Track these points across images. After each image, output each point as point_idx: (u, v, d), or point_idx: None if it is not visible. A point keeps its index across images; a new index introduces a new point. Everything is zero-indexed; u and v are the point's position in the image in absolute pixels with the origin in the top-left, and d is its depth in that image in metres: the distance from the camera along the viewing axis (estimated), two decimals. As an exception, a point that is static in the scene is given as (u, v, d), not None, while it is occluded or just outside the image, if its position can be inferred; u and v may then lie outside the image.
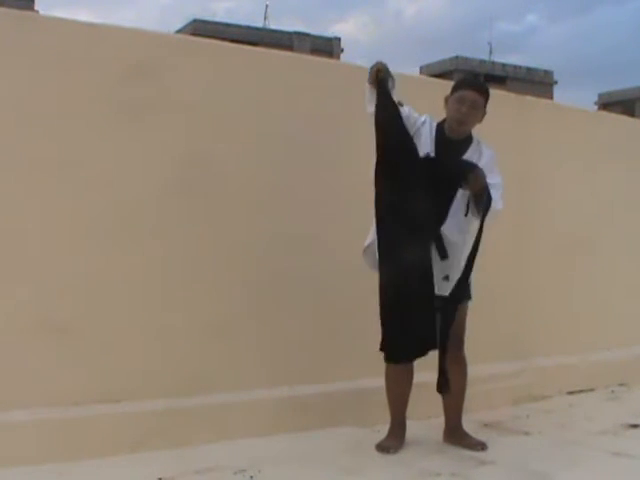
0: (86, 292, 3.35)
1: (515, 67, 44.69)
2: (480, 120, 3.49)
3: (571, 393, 4.72)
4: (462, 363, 3.56)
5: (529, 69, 45.10)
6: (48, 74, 3.30)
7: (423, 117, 3.47)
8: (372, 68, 3.36)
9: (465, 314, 3.53)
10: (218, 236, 3.65)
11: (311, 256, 3.89)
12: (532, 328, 4.64)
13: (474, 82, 3.63)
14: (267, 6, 64.87)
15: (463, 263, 3.39)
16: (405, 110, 3.41)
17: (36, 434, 3.12)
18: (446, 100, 3.50)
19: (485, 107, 3.48)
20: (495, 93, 5.25)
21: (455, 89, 3.49)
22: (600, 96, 45.58)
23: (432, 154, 3.39)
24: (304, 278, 3.87)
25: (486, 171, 3.32)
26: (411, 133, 3.40)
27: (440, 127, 3.47)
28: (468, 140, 3.48)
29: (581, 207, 5.13)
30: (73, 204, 3.33)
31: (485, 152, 3.46)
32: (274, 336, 3.76)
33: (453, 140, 3.44)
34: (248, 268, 3.72)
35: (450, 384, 3.40)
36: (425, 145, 3.41)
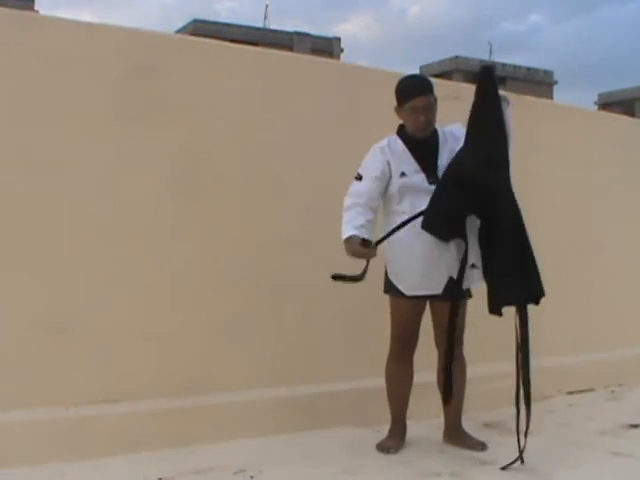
0: (86, 292, 3.35)
1: (515, 67, 44.67)
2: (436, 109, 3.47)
3: (571, 393, 4.72)
4: (461, 362, 3.55)
5: (529, 69, 45.08)
6: (48, 74, 3.30)
7: (378, 147, 3.44)
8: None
9: (464, 313, 3.53)
10: (218, 236, 3.65)
11: (311, 256, 3.89)
12: (532, 328, 4.63)
13: (417, 87, 3.45)
14: (267, 6, 64.85)
15: (477, 247, 3.39)
16: (373, 177, 3.39)
17: (36, 434, 3.12)
18: (396, 111, 3.45)
19: (434, 97, 3.44)
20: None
21: (404, 101, 3.40)
22: (600, 96, 45.57)
23: (412, 159, 3.40)
24: (304, 278, 3.87)
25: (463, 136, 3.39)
26: (389, 175, 3.40)
27: (403, 134, 3.46)
28: (434, 131, 3.47)
29: (581, 207, 5.13)
30: (73, 203, 3.34)
31: (455, 130, 3.46)
32: (274, 336, 3.77)
33: (422, 139, 3.44)
34: (248, 268, 3.73)
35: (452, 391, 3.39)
36: (403, 160, 3.41)
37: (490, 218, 3.32)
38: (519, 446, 3.24)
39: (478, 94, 3.36)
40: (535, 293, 3.38)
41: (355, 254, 3.23)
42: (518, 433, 3.27)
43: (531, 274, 3.35)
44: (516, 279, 3.31)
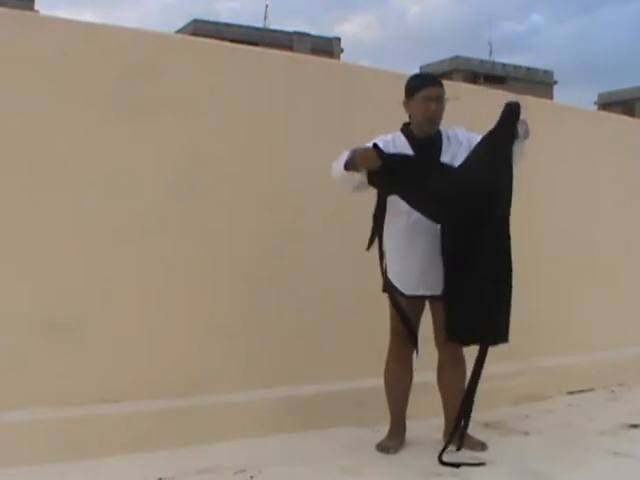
0: (86, 292, 3.35)
1: (515, 67, 44.72)
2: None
3: (571, 393, 4.72)
4: (460, 363, 3.55)
5: (529, 69, 45.13)
6: (48, 74, 3.30)
7: (383, 139, 3.41)
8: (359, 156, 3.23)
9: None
10: (218, 236, 3.66)
11: (312, 256, 3.89)
12: (532, 328, 4.64)
13: (431, 78, 3.54)
14: (267, 6, 64.96)
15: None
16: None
17: (36, 434, 3.12)
18: (405, 104, 3.45)
19: (445, 94, 3.44)
20: (495, 93, 5.27)
21: (415, 90, 3.40)
22: (600, 96, 45.62)
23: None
24: (304, 278, 3.87)
25: (472, 141, 3.38)
26: None
27: (408, 133, 3.46)
28: (438, 133, 3.46)
29: (581, 207, 5.13)
30: (73, 204, 3.34)
31: (458, 134, 3.46)
32: (274, 336, 3.77)
33: (427, 139, 3.43)
34: (248, 268, 3.72)
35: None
36: None
37: (477, 245, 3.23)
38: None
39: (497, 126, 3.28)
40: (500, 337, 3.31)
41: (362, 157, 3.20)
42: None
43: (503, 316, 3.28)
44: (488, 318, 3.25)
